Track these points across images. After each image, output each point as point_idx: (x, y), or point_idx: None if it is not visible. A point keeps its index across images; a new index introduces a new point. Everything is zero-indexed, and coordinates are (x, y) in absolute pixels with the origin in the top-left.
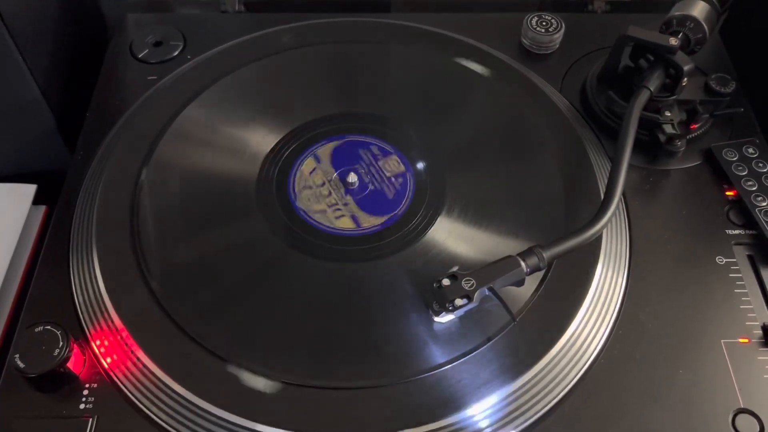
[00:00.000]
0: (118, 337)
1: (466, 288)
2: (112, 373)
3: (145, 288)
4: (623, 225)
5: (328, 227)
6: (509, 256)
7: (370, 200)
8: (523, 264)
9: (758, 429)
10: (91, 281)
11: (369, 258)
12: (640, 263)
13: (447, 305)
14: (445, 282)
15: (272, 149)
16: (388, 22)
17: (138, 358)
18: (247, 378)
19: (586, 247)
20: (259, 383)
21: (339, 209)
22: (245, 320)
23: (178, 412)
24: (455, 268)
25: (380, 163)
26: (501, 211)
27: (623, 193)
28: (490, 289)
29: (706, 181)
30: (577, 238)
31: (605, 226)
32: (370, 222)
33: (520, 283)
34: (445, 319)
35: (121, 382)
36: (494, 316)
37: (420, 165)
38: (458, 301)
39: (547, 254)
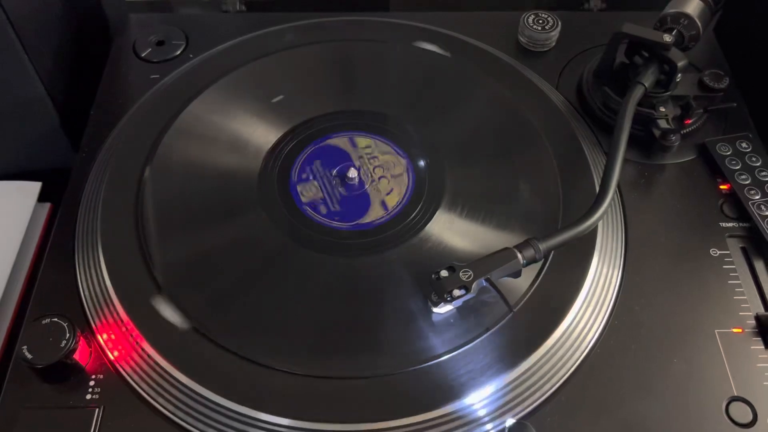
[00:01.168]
0: (123, 329)
1: (464, 279)
2: (117, 365)
3: (150, 281)
4: (619, 218)
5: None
6: (506, 248)
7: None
8: (519, 255)
9: (751, 416)
10: (97, 275)
11: (369, 251)
12: (636, 256)
13: (445, 296)
14: (444, 273)
15: (274, 145)
16: (387, 20)
17: (143, 350)
18: (249, 367)
19: (582, 240)
20: (262, 373)
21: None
22: (247, 312)
23: (182, 402)
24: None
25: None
26: (498, 205)
27: (618, 188)
28: (488, 280)
29: (701, 175)
30: (572, 230)
31: (600, 218)
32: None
33: (516, 274)
34: (443, 309)
35: (127, 373)
36: (492, 307)
37: (419, 160)
38: (456, 292)
39: (543, 246)
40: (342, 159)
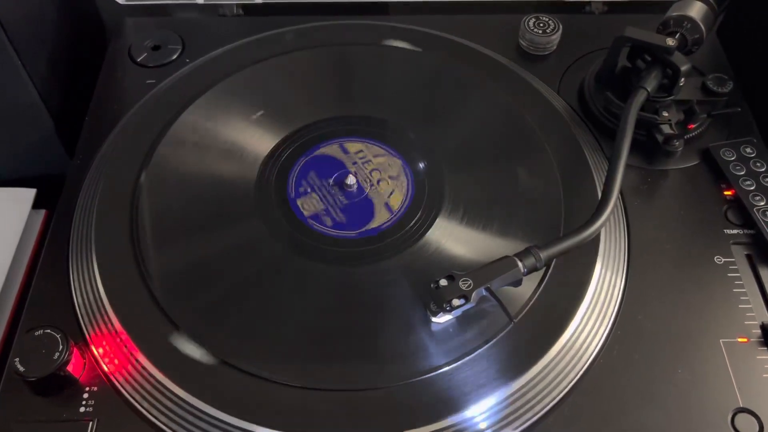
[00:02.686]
0: (118, 340)
1: (464, 288)
2: (111, 377)
3: (145, 291)
4: (622, 225)
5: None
6: (506, 257)
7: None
8: (520, 264)
9: (758, 428)
10: (91, 285)
11: (367, 260)
12: (639, 263)
13: (444, 305)
14: (443, 282)
15: (270, 152)
16: (387, 24)
17: (137, 361)
18: (245, 380)
19: (584, 248)
20: (259, 385)
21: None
22: (244, 322)
23: (177, 415)
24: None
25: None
26: (499, 211)
27: (621, 194)
28: (488, 290)
29: (704, 180)
30: (574, 237)
31: (602, 225)
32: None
33: (517, 283)
34: (442, 319)
35: (121, 385)
36: (492, 317)
37: (419, 166)
38: (455, 302)
39: (544, 254)
40: (337, 167)
